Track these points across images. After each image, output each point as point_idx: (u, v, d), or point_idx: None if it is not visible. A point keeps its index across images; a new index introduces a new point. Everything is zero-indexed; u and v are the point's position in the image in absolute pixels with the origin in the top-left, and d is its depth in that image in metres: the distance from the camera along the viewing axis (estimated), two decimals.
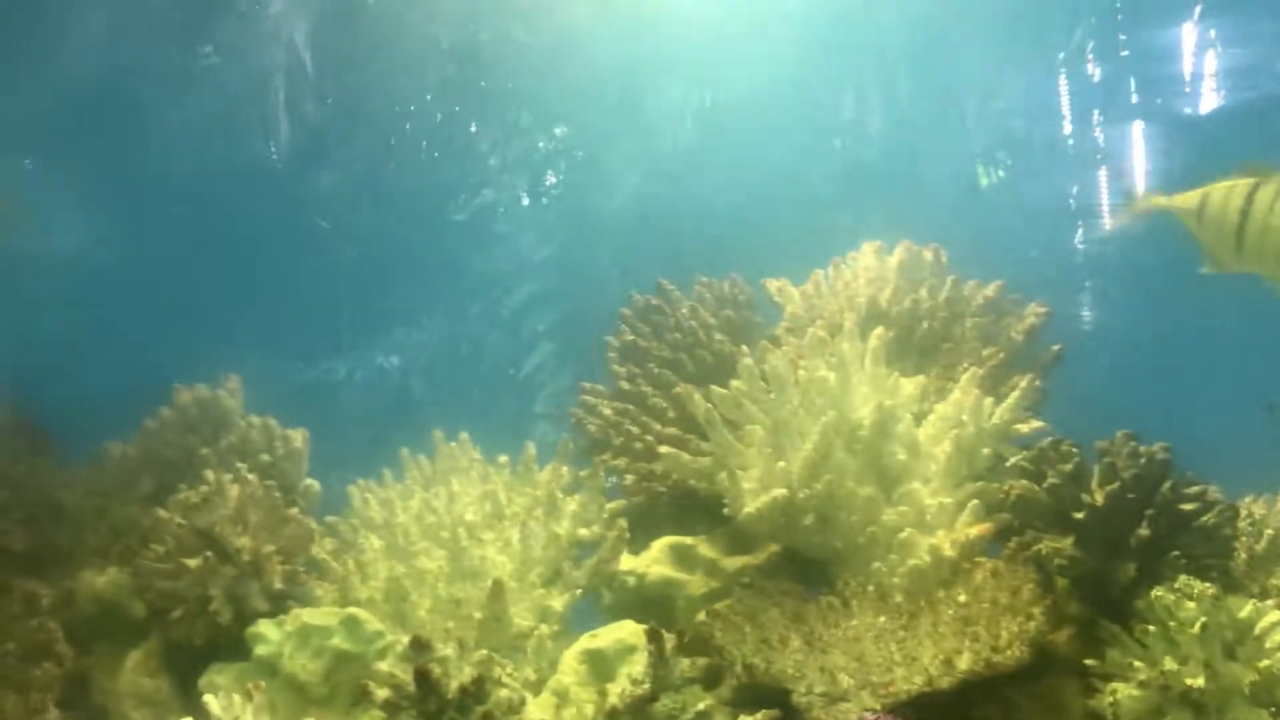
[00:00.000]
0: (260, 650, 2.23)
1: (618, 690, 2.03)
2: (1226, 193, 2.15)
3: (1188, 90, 6.89)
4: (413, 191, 6.46)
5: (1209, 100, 6.88)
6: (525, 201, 7.08)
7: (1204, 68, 6.91)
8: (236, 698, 1.92)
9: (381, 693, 1.90)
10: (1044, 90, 7.22)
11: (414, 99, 6.25)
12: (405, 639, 1.97)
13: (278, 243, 5.98)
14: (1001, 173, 7.64)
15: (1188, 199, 2.19)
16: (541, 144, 6.96)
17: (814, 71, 6.69)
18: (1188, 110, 6.86)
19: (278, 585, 2.35)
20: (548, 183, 7.12)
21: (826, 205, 5.95)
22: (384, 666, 1.95)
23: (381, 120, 6.21)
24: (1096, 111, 7.22)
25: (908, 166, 7.11)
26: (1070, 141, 7.18)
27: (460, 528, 2.32)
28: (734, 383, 2.45)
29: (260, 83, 5.72)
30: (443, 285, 6.85)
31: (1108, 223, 6.42)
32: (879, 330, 2.43)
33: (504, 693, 2.01)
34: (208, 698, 1.91)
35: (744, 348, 2.57)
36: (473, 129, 6.69)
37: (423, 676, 1.87)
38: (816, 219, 5.71)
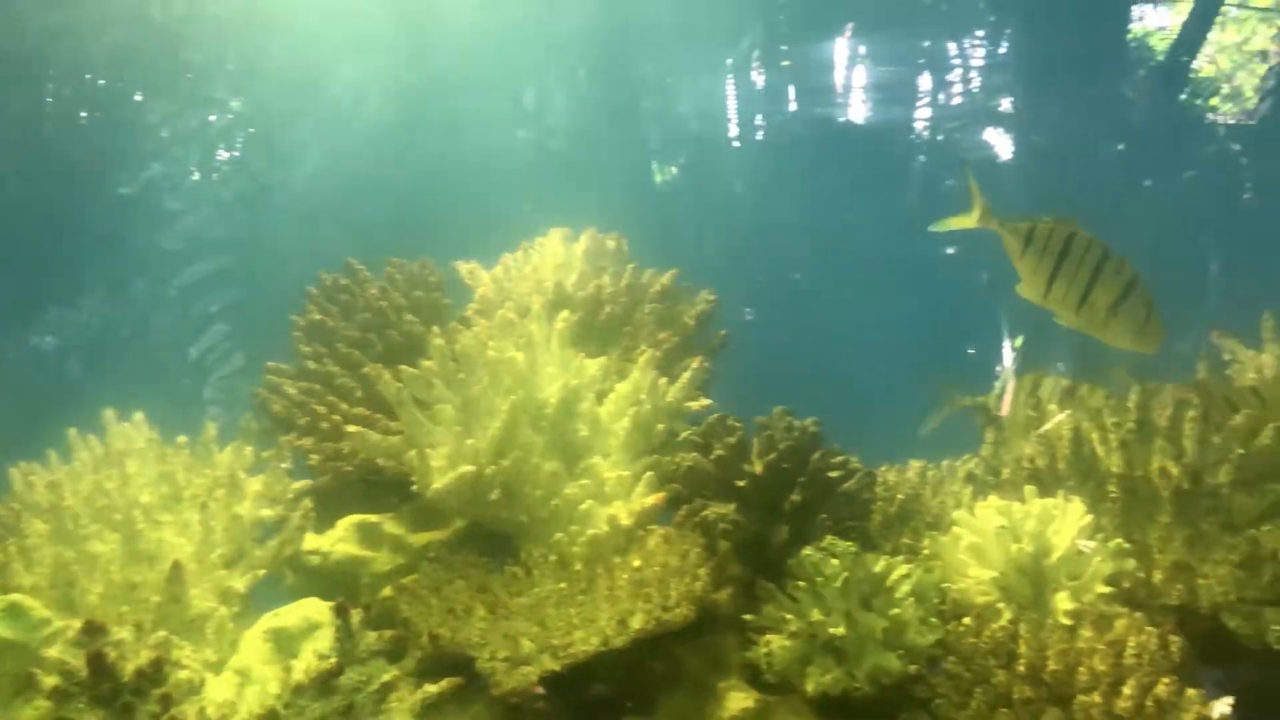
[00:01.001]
0: None
1: (302, 666, 2.02)
2: (1048, 234, 2.35)
3: (840, 100, 7.50)
4: (73, 162, 5.98)
5: (858, 110, 7.52)
6: (196, 177, 6.72)
7: (854, 80, 7.54)
8: None
9: (49, 680, 1.81)
10: (714, 93, 7.63)
11: (76, 64, 5.78)
12: (76, 625, 1.88)
13: None
14: (675, 169, 8.01)
15: (1018, 227, 2.38)
16: (215, 118, 6.63)
17: (501, 62, 6.76)
18: (841, 119, 7.47)
19: None
20: (222, 158, 6.79)
21: (513, 192, 6.03)
22: (53, 653, 1.85)
23: (36, 85, 5.72)
24: (760, 115, 7.72)
25: (590, 158, 7.30)
26: (736, 143, 7.64)
27: (135, 509, 2.22)
28: (424, 362, 2.47)
29: None
30: (104, 262, 6.39)
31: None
32: (565, 313, 2.53)
33: (183, 674, 1.96)
34: None
35: (435, 328, 2.61)
36: (138, 98, 6.27)
37: (96, 660, 1.80)
38: (504, 205, 5.78)
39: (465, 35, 6.28)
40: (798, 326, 6.44)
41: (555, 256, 2.86)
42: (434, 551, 2.45)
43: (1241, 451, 2.23)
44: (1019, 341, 3.82)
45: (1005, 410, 2.77)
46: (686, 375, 2.50)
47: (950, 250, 7.28)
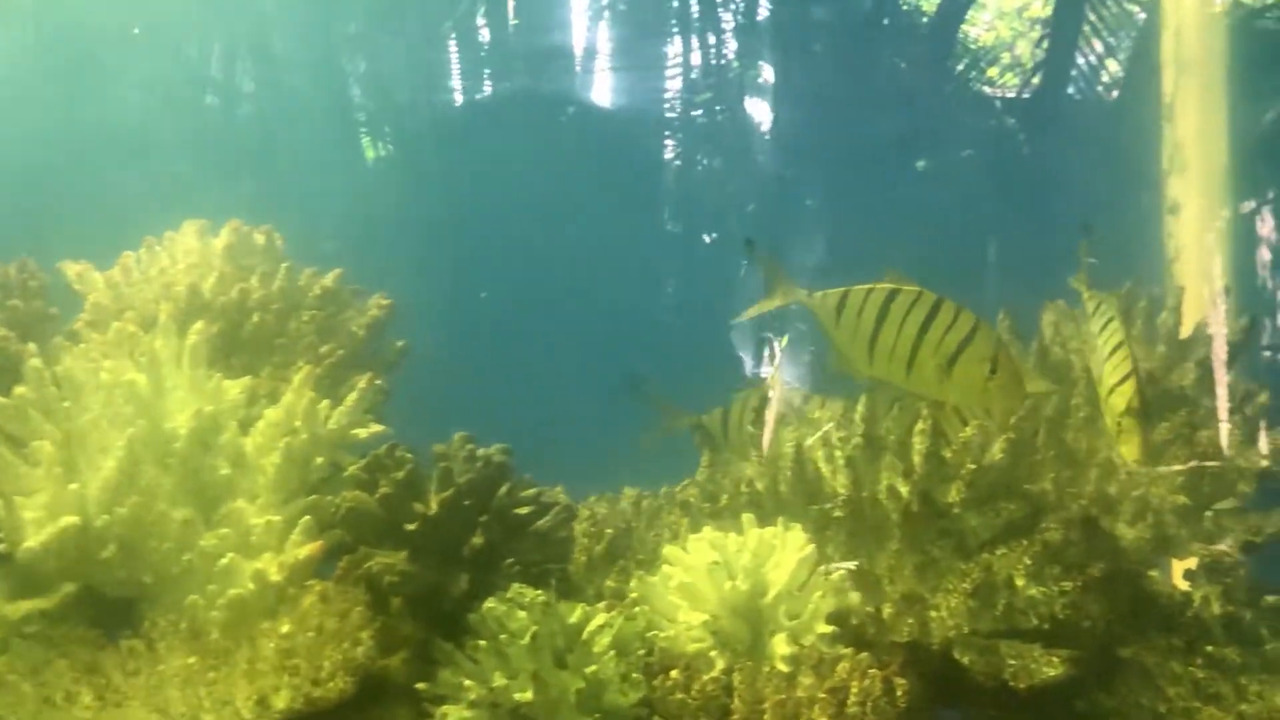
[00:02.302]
0: None
1: None
2: (863, 298, 2.31)
3: (575, 66, 7.51)
4: None
5: (596, 79, 7.57)
6: None
7: (593, 44, 7.57)
8: None
9: None
10: (431, 58, 7.51)
11: None
12: None
13: None
14: (388, 145, 7.84)
15: (828, 298, 2.33)
16: None
17: (170, 18, 6.43)
18: (569, 85, 7.48)
19: None
20: None
21: (172, 173, 5.72)
22: None
23: None
24: (486, 84, 7.64)
25: (285, 132, 7.05)
26: (458, 117, 7.54)
27: None
28: (18, 389, 2.29)
29: None
30: None
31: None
32: (200, 324, 2.39)
33: None
34: None
35: (32, 345, 2.41)
36: None
37: None
38: (158, 189, 5.47)
39: None
40: (503, 333, 6.38)
41: (189, 255, 2.69)
42: (33, 625, 2.24)
43: (973, 466, 2.30)
44: (784, 341, 3.88)
45: (769, 427, 2.79)
46: (353, 397, 2.42)
47: (709, 238, 7.45)
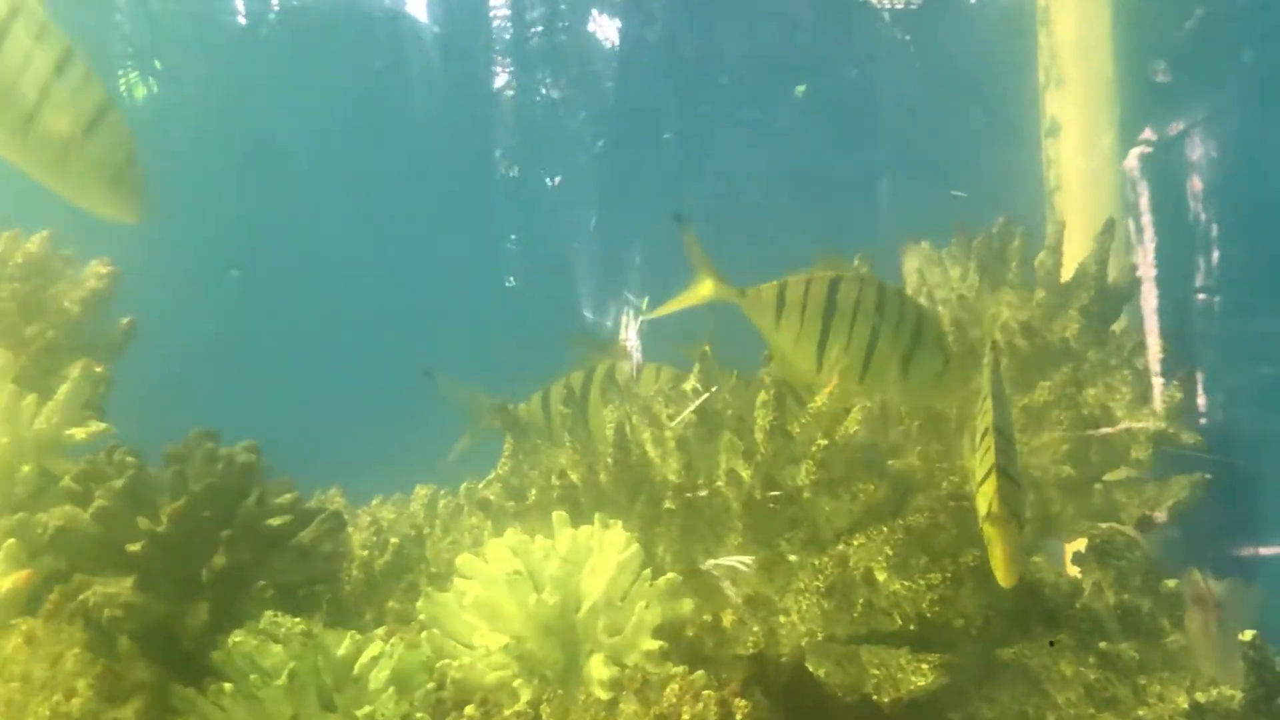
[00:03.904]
0: None
1: None
2: (804, 291, 2.23)
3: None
4: None
5: None
6: None
7: None
8: None
9: None
10: None
11: None
12: None
13: None
14: (154, 82, 7.59)
15: (762, 293, 2.25)
16: None
17: None
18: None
19: None
20: None
21: None
22: None
23: None
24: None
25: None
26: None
27: None
28: None
29: None
30: None
31: None
32: None
33: None
34: None
35: None
36: None
37: None
38: None
39: None
40: (269, 313, 6.22)
41: None
42: None
43: (824, 443, 2.27)
44: (644, 305, 3.83)
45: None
46: (66, 389, 2.31)
47: (551, 182, 7.36)
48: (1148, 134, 3.28)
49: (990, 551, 1.79)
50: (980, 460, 1.86)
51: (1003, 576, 1.77)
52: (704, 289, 2.37)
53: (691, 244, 2.34)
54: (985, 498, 1.79)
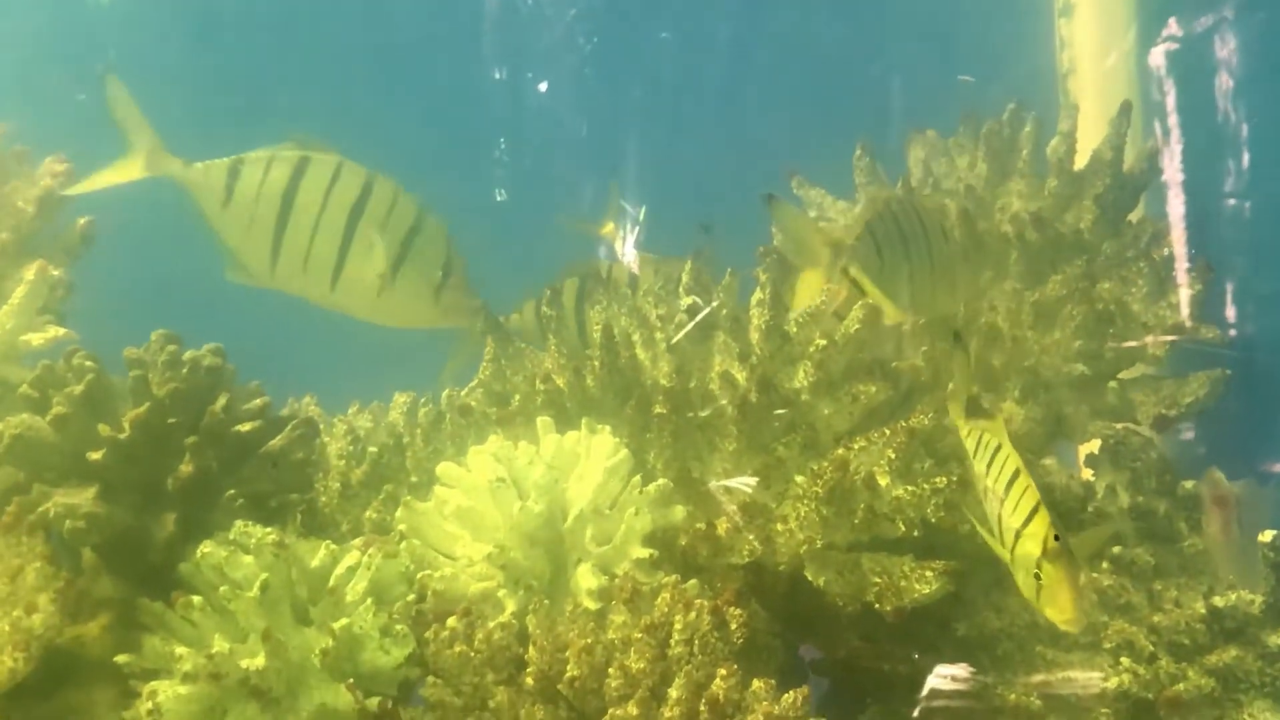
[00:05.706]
0: None
1: None
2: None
3: None
4: None
5: None
6: None
7: None
8: None
9: None
10: None
11: None
12: None
13: None
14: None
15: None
16: None
17: None
18: None
19: None
20: None
21: None
22: None
23: None
24: None
25: None
26: None
27: None
28: None
29: None
30: None
31: None
32: None
33: None
34: None
35: None
36: None
37: None
38: None
39: None
40: None
41: None
42: None
43: (823, 343, 2.25)
44: (643, 213, 3.77)
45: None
46: (21, 292, 2.27)
47: None
48: (1172, 28, 3.19)
49: (1050, 594, 1.70)
50: (1016, 504, 1.78)
51: (1070, 621, 1.69)
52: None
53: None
54: (1035, 539, 1.71)
